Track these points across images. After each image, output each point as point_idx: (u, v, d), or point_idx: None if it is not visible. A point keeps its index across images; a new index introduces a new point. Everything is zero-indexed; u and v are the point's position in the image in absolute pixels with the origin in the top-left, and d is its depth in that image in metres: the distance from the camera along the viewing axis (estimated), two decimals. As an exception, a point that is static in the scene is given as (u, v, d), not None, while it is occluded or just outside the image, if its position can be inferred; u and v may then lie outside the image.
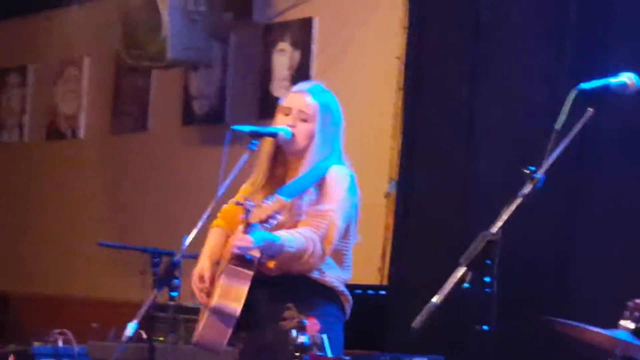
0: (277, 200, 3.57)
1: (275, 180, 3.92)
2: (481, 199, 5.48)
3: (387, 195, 6.03)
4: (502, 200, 5.18)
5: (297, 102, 3.93)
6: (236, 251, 3.66)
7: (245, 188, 3.98)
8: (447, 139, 5.72)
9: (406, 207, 5.91)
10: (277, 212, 3.58)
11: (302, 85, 4.02)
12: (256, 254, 3.71)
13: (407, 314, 5.40)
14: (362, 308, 4.14)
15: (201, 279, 3.85)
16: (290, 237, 3.69)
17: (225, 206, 3.97)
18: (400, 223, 5.92)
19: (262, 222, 3.58)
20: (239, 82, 7.05)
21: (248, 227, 3.61)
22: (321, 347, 3.37)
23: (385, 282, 5.90)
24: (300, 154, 3.89)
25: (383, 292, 5.44)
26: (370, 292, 5.32)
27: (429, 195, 5.81)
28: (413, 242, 5.85)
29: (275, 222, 3.60)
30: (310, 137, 3.89)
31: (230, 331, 3.72)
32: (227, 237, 3.96)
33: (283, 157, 3.96)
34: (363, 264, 5.75)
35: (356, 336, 4.33)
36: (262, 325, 3.79)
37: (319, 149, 3.88)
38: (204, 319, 3.77)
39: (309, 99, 3.92)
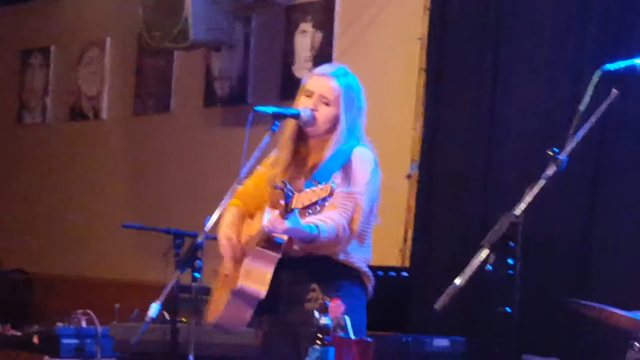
0: (325, 187, 3.52)
1: (298, 161, 3.91)
2: (503, 180, 5.47)
3: (408, 177, 6.02)
4: (523, 181, 5.20)
5: (320, 85, 3.92)
6: (266, 229, 3.65)
7: (263, 169, 3.97)
8: (469, 121, 5.71)
9: (428, 188, 5.90)
10: (323, 199, 3.54)
11: (326, 69, 4.01)
12: (285, 237, 3.70)
13: (429, 295, 5.43)
14: (384, 289, 4.13)
15: (229, 238, 3.84)
16: (324, 225, 3.68)
17: (240, 187, 3.95)
18: (422, 205, 5.92)
19: (306, 207, 3.54)
20: (261, 63, 7.05)
21: (287, 212, 3.58)
22: (344, 329, 3.37)
23: (406, 264, 5.90)
24: (322, 136, 3.89)
25: (405, 274, 5.43)
26: (392, 273, 5.31)
27: (451, 177, 5.80)
28: (435, 223, 5.85)
29: (319, 208, 3.57)
30: (332, 121, 3.88)
31: (251, 312, 3.73)
32: (243, 217, 3.95)
33: (305, 139, 3.95)
34: (385, 246, 5.74)
35: (378, 317, 4.33)
36: (286, 307, 3.79)
37: (341, 132, 3.87)
38: (224, 300, 3.77)
39: (332, 83, 3.91)
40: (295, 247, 3.73)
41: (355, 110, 3.92)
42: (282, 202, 3.55)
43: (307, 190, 3.54)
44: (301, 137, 3.95)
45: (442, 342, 5.10)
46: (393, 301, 5.28)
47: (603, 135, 4.87)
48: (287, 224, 3.57)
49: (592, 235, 5.06)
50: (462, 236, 5.60)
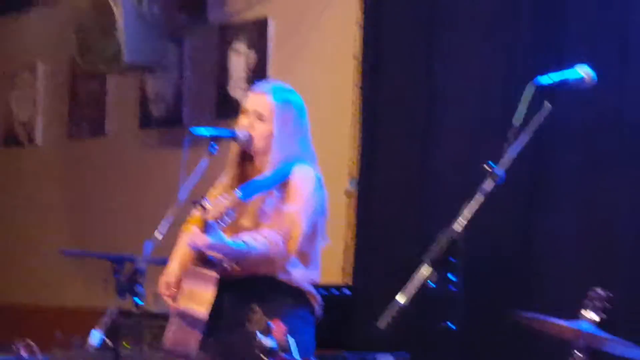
0: (231, 197, 3.54)
1: (244, 182, 3.89)
2: (440, 195, 5.49)
3: (348, 194, 6.03)
4: (460, 196, 5.23)
5: (254, 102, 3.92)
6: (189, 245, 3.64)
7: (214, 189, 3.96)
8: (406, 136, 5.73)
9: (367, 204, 5.91)
10: (232, 209, 3.54)
11: (261, 86, 4.01)
12: (218, 256, 3.68)
13: (372, 311, 5.43)
14: (328, 308, 4.13)
15: (167, 285, 3.83)
16: (253, 242, 3.66)
17: (194, 212, 3.92)
18: (362, 221, 5.92)
19: (217, 219, 3.55)
20: (196, 84, 7.02)
21: (206, 226, 3.58)
22: (288, 350, 3.36)
23: (348, 281, 5.90)
24: (263, 154, 3.87)
25: (347, 292, 5.43)
26: (334, 291, 5.31)
27: (389, 193, 5.81)
28: (375, 240, 5.85)
29: (228, 219, 3.56)
30: (269, 137, 3.87)
31: (199, 335, 3.70)
32: None
33: (250, 158, 3.94)
34: (325, 263, 5.72)
35: (322, 335, 4.32)
36: (229, 328, 3.76)
37: (279, 148, 3.85)
38: (172, 324, 3.74)
39: (265, 99, 3.91)
40: (227, 265, 3.70)
41: (293, 125, 3.90)
42: (199, 215, 3.56)
43: (217, 201, 3.55)
44: (246, 158, 3.94)
45: (386, 358, 5.10)
46: (336, 319, 5.27)
47: (537, 147, 4.91)
48: (206, 238, 3.56)
49: (531, 247, 5.09)
50: (403, 252, 5.60)
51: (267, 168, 3.85)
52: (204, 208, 3.54)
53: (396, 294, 2.83)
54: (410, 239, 5.61)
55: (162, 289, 3.83)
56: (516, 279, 5.08)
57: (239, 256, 3.65)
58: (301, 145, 3.94)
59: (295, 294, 3.84)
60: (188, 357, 3.77)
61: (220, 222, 3.54)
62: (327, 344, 4.97)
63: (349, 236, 5.99)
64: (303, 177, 3.84)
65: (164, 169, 6.97)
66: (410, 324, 4.91)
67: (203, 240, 3.57)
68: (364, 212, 5.91)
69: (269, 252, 3.68)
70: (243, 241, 3.65)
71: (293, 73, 6.42)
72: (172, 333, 3.74)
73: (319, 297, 3.92)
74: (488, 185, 2.93)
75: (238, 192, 3.53)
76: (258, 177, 3.84)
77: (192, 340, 3.71)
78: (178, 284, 3.81)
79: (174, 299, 3.80)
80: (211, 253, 3.66)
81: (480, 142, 5.23)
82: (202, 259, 3.69)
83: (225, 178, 3.98)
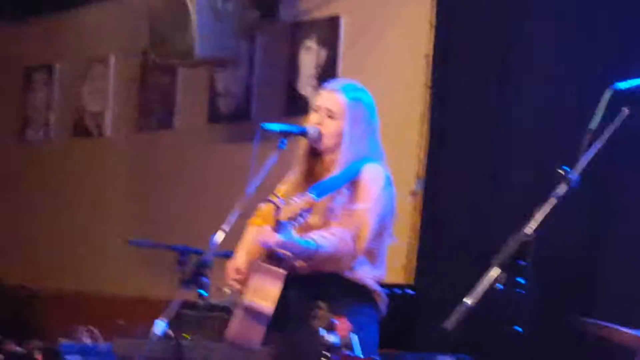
0: (306, 198, 3.54)
1: (313, 178, 3.89)
2: (508, 197, 5.45)
3: (413, 194, 6.01)
4: (530, 199, 5.16)
5: (326, 100, 3.92)
6: (259, 242, 3.65)
7: (283, 186, 3.97)
8: (475, 137, 5.69)
9: (433, 205, 5.89)
10: (306, 210, 3.54)
11: (333, 83, 4.01)
12: (288, 254, 3.69)
13: (433, 312, 5.43)
14: (390, 307, 4.11)
15: (237, 271, 3.83)
16: (323, 240, 3.66)
17: (262, 205, 3.94)
18: (427, 221, 5.90)
19: (291, 219, 3.55)
20: (266, 80, 7.05)
21: (277, 225, 3.59)
22: (351, 347, 3.35)
23: (410, 281, 5.88)
24: (333, 152, 3.87)
25: (410, 291, 5.40)
26: (397, 290, 5.28)
27: (456, 194, 5.78)
28: (439, 240, 5.83)
29: (302, 220, 3.56)
30: (339, 136, 3.87)
31: (263, 330, 3.70)
32: None
33: (319, 155, 3.94)
34: (388, 262, 5.73)
35: (383, 335, 4.30)
36: (294, 325, 3.77)
37: (350, 147, 3.85)
38: (237, 317, 3.76)
39: (337, 97, 3.90)
40: (296, 263, 3.70)
41: (363, 124, 3.90)
42: (273, 214, 3.56)
43: (291, 202, 3.54)
44: (315, 155, 3.94)
45: (447, 360, 5.08)
46: (398, 319, 5.25)
47: (611, 153, 4.86)
48: (278, 236, 3.56)
49: (600, 254, 5.04)
50: (467, 253, 5.58)
51: (336, 166, 3.84)
52: (277, 207, 3.54)
53: (458, 295, 2.81)
54: (474, 241, 5.58)
55: (231, 273, 3.83)
56: (583, 285, 5.03)
57: (308, 255, 3.65)
58: (370, 144, 3.93)
59: (361, 291, 3.84)
60: (250, 350, 3.78)
61: (293, 222, 3.54)
62: (388, 344, 4.96)
63: (412, 236, 5.97)
64: (373, 176, 3.83)
65: (231, 164, 7.01)
66: (473, 326, 4.92)
67: (274, 238, 3.58)
68: (429, 213, 5.89)
69: (337, 250, 3.68)
70: (313, 240, 3.65)
71: (363, 71, 6.41)
72: (236, 325, 3.75)
73: (384, 296, 3.91)
74: (561, 189, 2.89)
75: (313, 194, 3.52)
76: (329, 176, 3.83)
77: (255, 334, 3.71)
78: (245, 271, 3.81)
79: (241, 283, 3.80)
80: (281, 251, 3.66)
81: (553, 144, 5.18)
82: (271, 256, 3.69)
83: (294, 174, 3.98)
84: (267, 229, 3.62)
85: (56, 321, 7.33)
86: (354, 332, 3.37)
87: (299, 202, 3.54)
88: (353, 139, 3.86)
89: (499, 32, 5.63)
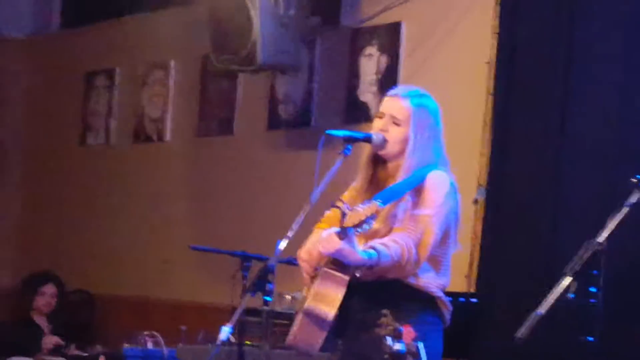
0: (371, 205, 3.52)
1: (377, 185, 3.87)
2: (572, 206, 5.40)
3: (475, 202, 5.96)
4: (593, 208, 5.13)
5: (391, 106, 3.90)
6: (320, 248, 3.63)
7: (348, 193, 3.95)
8: (539, 145, 5.64)
9: (495, 213, 5.84)
10: (371, 217, 3.52)
11: (398, 90, 3.99)
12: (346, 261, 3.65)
13: (497, 322, 5.38)
14: (453, 315, 4.08)
15: (308, 252, 3.80)
16: (385, 250, 3.64)
17: (328, 212, 3.93)
18: (489, 230, 5.86)
19: (356, 226, 3.53)
20: (326, 87, 7.04)
21: (342, 231, 3.57)
22: (417, 355, 3.33)
23: (472, 290, 5.84)
24: (397, 158, 3.85)
25: (474, 300, 5.36)
26: (461, 299, 5.25)
27: (519, 202, 5.73)
28: (501, 249, 5.78)
29: (368, 227, 3.54)
30: (403, 142, 3.84)
31: (324, 335, 3.68)
32: None
33: (383, 163, 3.92)
34: (450, 271, 5.70)
35: (446, 344, 4.27)
36: (356, 332, 3.75)
37: (414, 153, 3.82)
38: (298, 322, 3.75)
39: (402, 103, 3.88)
40: (357, 273, 3.68)
41: (428, 130, 3.87)
42: (340, 220, 3.54)
43: (358, 208, 3.52)
44: (379, 161, 3.92)
45: (511, 370, 5.02)
46: (461, 328, 5.22)
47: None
48: (339, 244, 3.54)
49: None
50: (529, 262, 5.53)
51: (400, 173, 3.82)
52: (343, 214, 3.52)
53: (521, 304, 2.78)
54: (537, 250, 5.54)
55: (303, 255, 3.81)
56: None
57: (370, 264, 3.63)
58: (435, 150, 3.90)
59: (425, 299, 3.80)
60: (310, 355, 3.76)
61: (358, 229, 3.53)
62: (451, 353, 4.93)
63: (474, 244, 5.93)
64: (438, 182, 3.80)
65: (290, 171, 7.02)
66: (542, 336, 4.88)
67: (334, 245, 3.57)
68: (491, 221, 5.85)
69: (402, 257, 3.66)
70: (374, 248, 3.63)
71: (424, 78, 6.38)
72: (297, 330, 3.74)
73: (448, 304, 3.87)
74: (635, 197, 2.86)
75: (378, 201, 3.50)
76: (393, 183, 3.81)
77: (316, 339, 3.70)
78: (316, 256, 3.78)
79: (312, 267, 3.78)
80: (339, 258, 3.64)
81: (618, 153, 5.12)
82: (335, 262, 3.68)
83: (357, 182, 3.97)
84: (331, 234, 3.60)
85: (118, 326, 7.40)
86: (418, 340, 3.35)
87: (364, 208, 3.52)
88: (418, 146, 3.84)
89: (562, 38, 5.58)
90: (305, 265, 3.82)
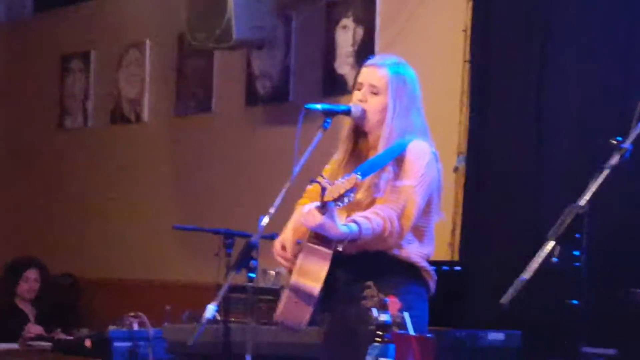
0: (350, 179, 3.51)
1: (358, 157, 3.86)
2: (552, 172, 5.42)
3: (456, 170, 5.97)
4: (574, 171, 5.14)
5: (368, 76, 3.88)
6: (302, 222, 3.63)
7: (330, 166, 3.94)
8: (517, 112, 5.65)
9: (475, 181, 5.85)
10: (350, 190, 3.51)
11: (375, 59, 3.97)
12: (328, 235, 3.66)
13: (482, 289, 5.40)
14: (437, 284, 4.08)
15: (283, 247, 3.82)
16: (367, 222, 3.63)
17: (309, 186, 3.93)
18: (470, 198, 5.87)
19: (336, 200, 3.53)
20: (303, 61, 7.02)
21: (322, 206, 3.57)
22: (403, 326, 3.34)
23: (455, 258, 5.86)
24: (377, 129, 3.83)
25: (458, 268, 5.37)
26: (445, 268, 5.26)
27: (499, 169, 5.75)
28: (483, 216, 5.80)
29: (348, 200, 3.53)
30: (383, 111, 3.82)
31: (310, 310, 3.68)
32: None
33: (364, 135, 3.90)
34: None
35: (431, 312, 4.27)
36: (343, 305, 3.75)
37: (394, 121, 3.80)
38: (284, 297, 3.75)
39: (379, 72, 3.85)
40: (339, 247, 3.68)
41: (407, 98, 3.85)
42: (320, 195, 3.54)
43: (337, 182, 3.51)
44: (359, 134, 3.91)
45: (497, 336, 5.04)
46: (446, 296, 5.23)
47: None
48: (319, 218, 3.53)
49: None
50: (511, 229, 5.55)
51: (381, 143, 3.81)
52: (323, 188, 3.52)
53: (504, 270, 2.79)
54: (518, 216, 5.55)
55: (278, 249, 3.82)
56: (636, 257, 4.98)
57: (352, 238, 3.63)
58: (415, 119, 3.89)
59: (410, 269, 3.81)
60: (297, 330, 3.77)
61: (338, 203, 3.52)
62: (437, 321, 4.94)
63: (456, 212, 5.94)
64: (418, 152, 3.79)
65: (270, 146, 7.01)
66: (527, 301, 4.89)
67: (315, 219, 3.56)
68: (471, 188, 5.86)
69: (382, 230, 3.65)
70: (356, 222, 3.62)
71: (400, 48, 6.35)
72: (284, 306, 3.74)
73: (433, 273, 3.88)
74: (615, 159, 2.86)
75: (358, 175, 3.49)
76: (375, 154, 3.80)
77: (303, 314, 3.70)
78: (291, 248, 3.80)
79: (287, 260, 3.80)
80: (321, 232, 3.64)
81: (597, 116, 5.13)
82: (318, 236, 3.68)
83: (338, 155, 3.95)
84: (312, 209, 3.59)
85: (104, 309, 7.39)
86: (403, 310, 3.37)
87: (344, 182, 3.52)
88: (397, 114, 3.82)
89: (539, 3, 5.57)
90: (281, 261, 3.82)
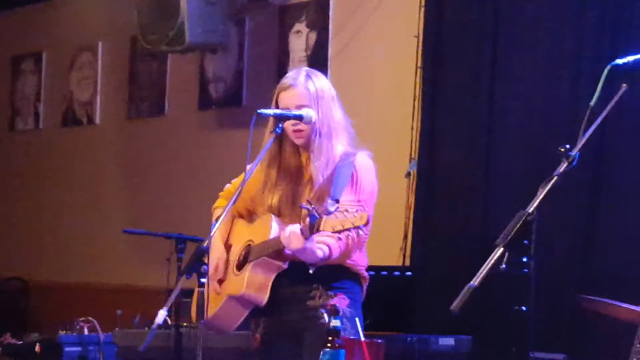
0: (362, 216, 3.47)
1: (293, 169, 3.87)
2: (501, 178, 5.46)
3: (408, 175, 6.00)
4: (523, 179, 5.19)
5: (290, 100, 3.88)
6: (283, 242, 3.62)
7: (255, 176, 3.90)
8: (468, 118, 5.69)
9: (427, 186, 5.88)
10: (358, 227, 3.51)
11: (287, 81, 3.94)
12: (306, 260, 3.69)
13: (431, 294, 5.43)
14: (388, 289, 4.11)
15: (217, 269, 3.87)
16: (336, 244, 3.65)
17: (228, 186, 4.00)
18: (422, 203, 5.89)
19: (337, 232, 3.52)
20: (256, 65, 7.02)
21: (307, 233, 3.55)
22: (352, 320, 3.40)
23: (407, 263, 5.88)
24: (309, 140, 3.84)
25: (409, 273, 5.40)
26: (396, 273, 5.28)
27: (450, 174, 5.78)
28: (434, 221, 5.83)
29: (345, 236, 3.57)
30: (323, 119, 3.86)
31: (245, 314, 3.76)
32: (233, 217, 3.97)
33: (291, 147, 3.90)
34: (385, 245, 5.73)
35: (382, 317, 4.30)
36: (287, 307, 3.77)
37: (325, 132, 3.83)
38: (219, 302, 3.78)
39: (297, 90, 3.87)
40: (311, 270, 3.72)
41: (329, 102, 3.88)
42: (307, 221, 3.53)
43: (338, 214, 3.49)
44: (285, 146, 3.92)
45: (447, 341, 5.07)
46: (397, 301, 5.25)
47: (604, 130, 4.85)
48: (302, 242, 3.56)
49: (596, 231, 5.04)
50: (462, 234, 5.58)
51: (315, 152, 3.81)
52: (314, 216, 3.49)
53: (455, 275, 2.81)
54: (469, 221, 5.59)
55: (212, 274, 3.85)
56: (580, 263, 5.04)
57: (321, 260, 3.68)
58: (337, 114, 3.91)
59: (353, 274, 3.85)
60: (224, 333, 3.79)
61: (339, 236, 3.55)
62: (387, 326, 4.96)
63: (408, 217, 5.97)
64: (367, 169, 3.84)
65: (223, 149, 7.00)
66: (475, 307, 4.93)
67: (299, 243, 3.57)
68: (423, 194, 5.88)
69: (348, 249, 3.71)
70: (328, 246, 3.65)
71: (353, 53, 6.40)
72: (220, 310, 3.80)
73: (368, 277, 3.93)
74: (562, 167, 2.89)
75: (365, 213, 3.50)
76: (314, 163, 3.81)
77: (236, 319, 3.80)
78: (224, 265, 3.83)
79: (219, 280, 3.84)
80: (299, 255, 3.66)
81: (547, 124, 5.17)
82: (279, 252, 3.70)
83: (265, 167, 3.93)
84: (297, 233, 3.58)
85: (52, 313, 7.34)
86: (350, 306, 3.46)
87: (350, 218, 3.47)
88: (326, 122, 3.84)
89: (489, 10, 5.61)
90: (211, 282, 3.84)
